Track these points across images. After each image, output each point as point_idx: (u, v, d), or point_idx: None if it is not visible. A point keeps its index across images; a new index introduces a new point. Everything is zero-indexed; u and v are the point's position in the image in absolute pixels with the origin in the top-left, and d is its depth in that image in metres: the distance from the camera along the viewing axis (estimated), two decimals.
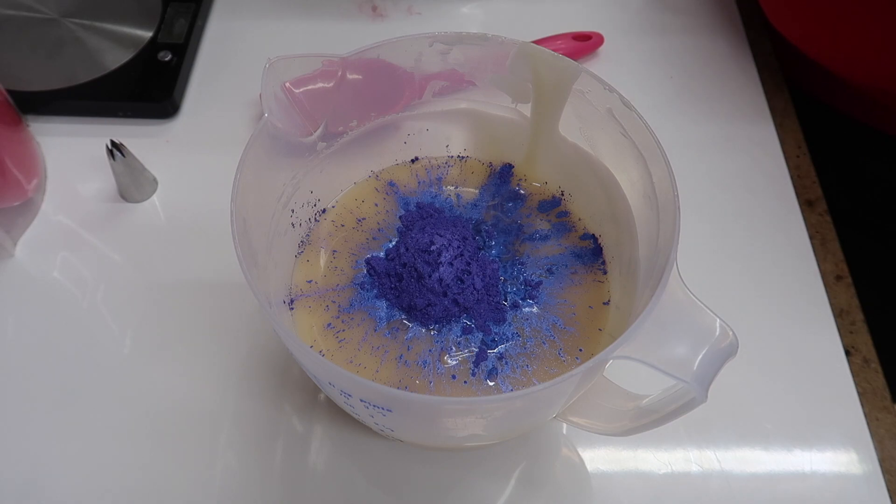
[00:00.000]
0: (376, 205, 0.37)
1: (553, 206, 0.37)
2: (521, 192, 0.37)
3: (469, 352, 0.32)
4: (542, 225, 0.36)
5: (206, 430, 0.37)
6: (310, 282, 0.35)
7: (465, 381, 0.32)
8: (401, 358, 0.32)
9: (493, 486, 0.36)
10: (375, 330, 0.33)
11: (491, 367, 0.32)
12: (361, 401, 0.27)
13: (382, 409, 0.27)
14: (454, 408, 0.27)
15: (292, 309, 0.34)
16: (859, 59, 0.44)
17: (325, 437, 0.37)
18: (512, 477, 0.36)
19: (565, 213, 0.37)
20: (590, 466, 0.37)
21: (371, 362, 0.32)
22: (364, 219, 0.37)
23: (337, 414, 0.37)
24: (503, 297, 0.34)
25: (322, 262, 0.35)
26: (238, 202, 0.28)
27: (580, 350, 0.32)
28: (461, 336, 0.33)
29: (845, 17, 0.42)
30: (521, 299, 0.34)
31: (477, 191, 0.38)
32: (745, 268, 0.43)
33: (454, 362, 0.32)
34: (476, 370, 0.32)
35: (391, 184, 0.38)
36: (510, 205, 0.37)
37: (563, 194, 0.37)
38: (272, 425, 0.37)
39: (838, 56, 0.45)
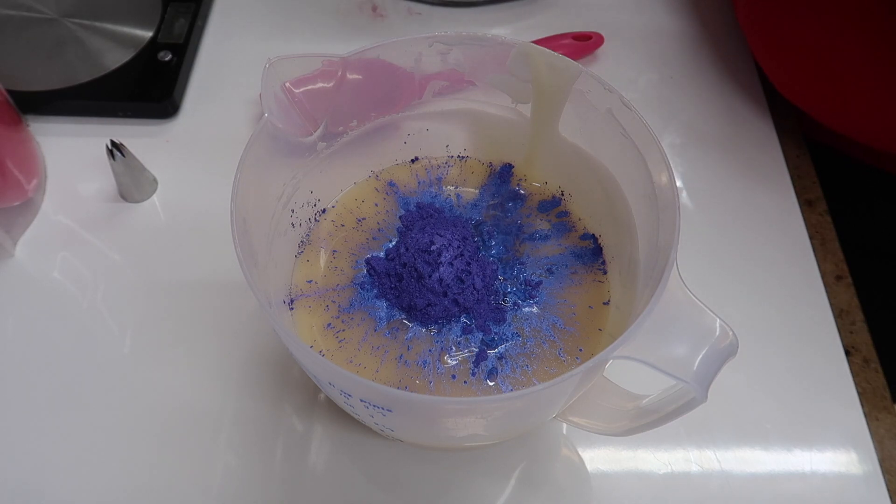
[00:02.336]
0: (376, 205, 0.37)
1: (553, 206, 0.37)
2: (521, 192, 0.37)
3: (469, 352, 0.32)
4: (542, 225, 0.36)
5: (206, 430, 0.37)
6: (310, 282, 0.35)
7: (465, 381, 0.32)
8: (401, 358, 0.32)
9: (493, 486, 0.36)
10: (375, 330, 0.33)
11: (491, 367, 0.32)
12: (361, 401, 0.27)
13: (382, 409, 0.27)
14: (454, 408, 0.27)
15: (292, 309, 0.34)
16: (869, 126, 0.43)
17: (325, 437, 0.37)
18: (512, 477, 0.36)
19: (565, 213, 0.37)
20: (590, 466, 0.37)
21: (371, 362, 0.32)
22: (364, 219, 0.37)
23: (337, 414, 0.37)
24: (503, 297, 0.34)
25: (322, 262, 0.35)
26: (238, 202, 0.28)
27: (580, 350, 0.32)
28: (461, 336, 0.33)
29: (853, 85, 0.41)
30: (521, 299, 0.34)
31: (477, 191, 0.38)
32: (745, 268, 0.43)
33: (454, 362, 0.32)
34: (476, 370, 0.32)
35: (391, 184, 0.38)
36: (510, 205, 0.37)
37: (563, 194, 0.37)
38: (272, 425, 0.37)
39: (849, 124, 0.45)
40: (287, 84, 0.30)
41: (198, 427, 0.37)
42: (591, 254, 0.35)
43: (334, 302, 0.34)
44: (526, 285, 0.34)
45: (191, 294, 0.41)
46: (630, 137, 0.30)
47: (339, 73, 0.31)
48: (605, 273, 0.35)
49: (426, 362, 0.32)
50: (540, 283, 0.34)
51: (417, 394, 0.30)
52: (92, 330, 0.40)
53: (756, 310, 0.41)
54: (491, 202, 0.37)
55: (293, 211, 0.34)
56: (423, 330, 0.33)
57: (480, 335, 0.33)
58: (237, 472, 0.36)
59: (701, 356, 0.25)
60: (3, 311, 0.41)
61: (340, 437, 0.37)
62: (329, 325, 0.33)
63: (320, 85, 0.31)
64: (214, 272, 0.42)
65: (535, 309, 0.34)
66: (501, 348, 0.32)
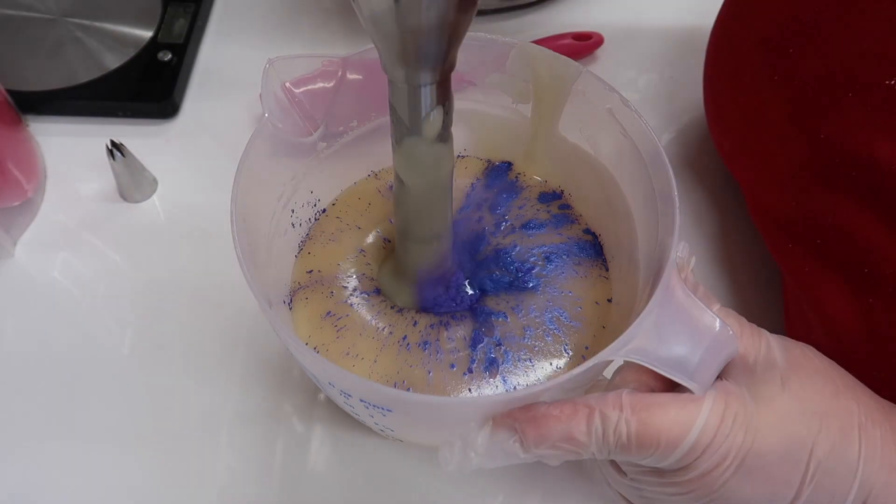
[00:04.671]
0: (369, 204, 0.37)
1: (553, 199, 0.37)
2: (518, 184, 0.37)
3: (467, 339, 0.32)
4: (542, 215, 0.36)
5: (206, 430, 0.37)
6: (310, 272, 0.34)
7: (465, 373, 0.31)
8: (403, 340, 0.32)
9: (492, 485, 0.36)
10: (372, 320, 0.33)
11: (492, 357, 0.32)
12: (361, 401, 0.27)
13: (382, 408, 0.27)
14: (454, 408, 0.27)
15: (291, 308, 0.34)
16: None
17: (325, 437, 0.37)
18: (511, 475, 0.36)
19: (567, 207, 0.37)
20: (589, 464, 0.36)
21: (369, 352, 0.32)
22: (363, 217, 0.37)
23: (337, 414, 0.37)
24: (505, 286, 0.34)
25: (322, 252, 0.35)
26: (238, 202, 0.28)
27: (586, 348, 0.32)
28: (461, 324, 0.32)
29: None
30: (522, 287, 0.34)
31: (471, 181, 0.37)
32: (745, 267, 0.42)
33: (452, 345, 0.32)
34: (475, 356, 0.31)
35: (392, 186, 0.38)
36: (504, 196, 0.37)
37: (562, 194, 0.37)
38: (272, 425, 0.37)
39: None
40: (287, 84, 0.30)
41: (198, 427, 0.37)
42: (593, 252, 0.35)
43: (332, 293, 0.34)
44: (524, 273, 0.34)
45: (191, 294, 0.41)
46: (630, 137, 0.30)
47: (340, 74, 0.31)
48: (607, 271, 0.35)
49: (426, 343, 0.32)
50: (533, 269, 0.34)
51: (418, 394, 0.30)
52: (92, 330, 0.40)
53: (756, 309, 0.41)
54: (487, 194, 0.37)
55: (293, 211, 0.34)
56: (424, 316, 0.33)
57: (481, 321, 0.32)
58: (237, 472, 0.36)
59: (700, 355, 0.25)
60: (3, 311, 0.41)
61: (340, 437, 0.37)
62: (329, 312, 0.33)
63: (320, 85, 0.31)
64: (214, 272, 0.42)
65: (537, 301, 0.33)
66: (500, 335, 0.32)
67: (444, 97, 0.26)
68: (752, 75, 0.37)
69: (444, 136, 0.27)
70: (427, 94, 0.26)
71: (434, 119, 0.26)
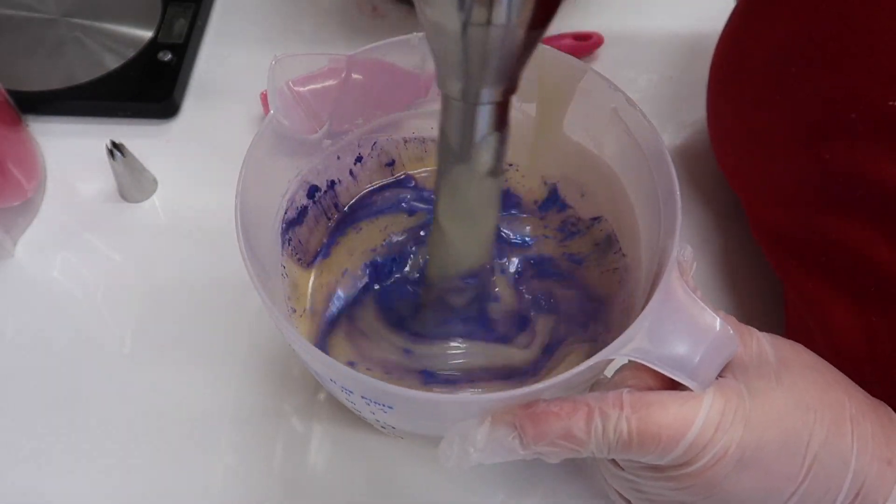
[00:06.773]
0: None
1: (553, 203, 0.37)
2: (518, 196, 0.37)
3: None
4: (540, 230, 0.36)
5: (206, 430, 0.37)
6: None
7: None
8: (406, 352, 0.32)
9: (493, 484, 0.36)
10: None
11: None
12: (363, 397, 0.27)
13: (384, 405, 0.27)
14: (456, 405, 0.27)
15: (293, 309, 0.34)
16: None
17: (325, 437, 0.37)
18: (512, 474, 0.36)
19: (564, 207, 0.37)
20: (588, 462, 0.37)
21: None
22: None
23: (337, 413, 0.37)
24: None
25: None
26: (242, 198, 0.28)
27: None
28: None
29: None
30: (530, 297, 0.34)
31: None
32: (746, 281, 0.42)
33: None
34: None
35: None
36: (514, 211, 0.37)
37: (566, 193, 0.37)
38: (272, 425, 0.37)
39: None
40: (292, 82, 0.30)
41: (198, 427, 0.37)
42: (596, 252, 0.35)
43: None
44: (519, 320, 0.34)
45: (190, 294, 0.41)
46: (634, 136, 0.30)
47: (344, 72, 0.31)
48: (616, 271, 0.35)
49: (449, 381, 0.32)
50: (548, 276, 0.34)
51: (419, 391, 0.30)
52: (92, 330, 0.40)
53: (757, 322, 0.41)
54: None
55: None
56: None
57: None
58: (237, 472, 0.36)
59: (701, 354, 0.25)
60: (3, 311, 0.41)
61: (341, 436, 0.37)
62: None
63: (325, 83, 0.31)
64: (214, 272, 0.42)
65: (542, 307, 0.33)
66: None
67: (501, 122, 0.24)
68: (755, 93, 0.37)
69: (496, 169, 0.25)
70: (484, 115, 0.23)
71: (488, 145, 0.24)
